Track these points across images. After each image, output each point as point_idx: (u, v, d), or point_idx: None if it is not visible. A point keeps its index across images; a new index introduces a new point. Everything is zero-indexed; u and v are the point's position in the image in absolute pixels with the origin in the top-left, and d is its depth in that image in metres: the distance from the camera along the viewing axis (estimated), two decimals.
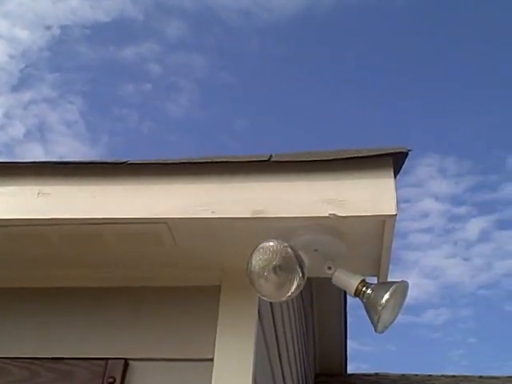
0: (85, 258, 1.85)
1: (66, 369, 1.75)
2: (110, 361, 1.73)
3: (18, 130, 12.26)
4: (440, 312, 15.85)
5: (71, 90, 11.80)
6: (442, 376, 5.40)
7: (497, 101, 11.45)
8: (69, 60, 11.34)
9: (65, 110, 11.93)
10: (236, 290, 1.78)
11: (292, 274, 1.50)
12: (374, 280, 1.78)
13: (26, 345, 1.84)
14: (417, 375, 5.43)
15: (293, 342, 3.11)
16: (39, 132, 12.34)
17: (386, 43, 10.91)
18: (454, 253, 14.62)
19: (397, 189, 1.55)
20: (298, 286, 1.51)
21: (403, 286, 1.60)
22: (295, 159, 1.64)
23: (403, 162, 1.60)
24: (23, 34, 11.96)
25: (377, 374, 5.45)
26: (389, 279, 1.79)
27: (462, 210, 13.62)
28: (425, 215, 12.71)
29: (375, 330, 1.60)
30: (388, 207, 1.52)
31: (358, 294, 1.60)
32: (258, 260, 1.50)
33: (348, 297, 2.75)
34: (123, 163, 1.69)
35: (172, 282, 1.87)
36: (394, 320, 1.63)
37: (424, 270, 14.49)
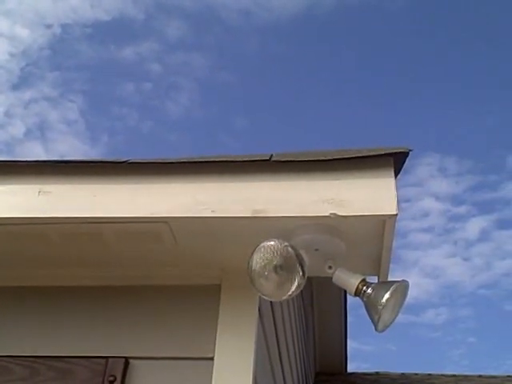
0: (85, 257, 1.85)
1: (67, 367, 1.75)
2: (110, 359, 1.73)
3: (18, 128, 12.27)
4: (440, 311, 15.86)
5: (71, 89, 11.81)
6: (442, 375, 5.40)
7: (497, 101, 11.46)
8: (69, 59, 11.34)
9: (65, 108, 11.94)
10: (236, 289, 1.78)
11: (292, 273, 1.50)
12: (375, 279, 1.78)
13: (26, 343, 1.84)
14: (417, 374, 5.43)
15: (293, 341, 3.12)
16: (39, 131, 12.34)
17: (387, 43, 10.91)
18: (453, 252, 14.62)
19: (397, 188, 1.55)
20: (298, 286, 1.52)
21: (403, 286, 1.60)
22: (295, 159, 1.64)
23: (404, 162, 1.60)
24: (24, 33, 11.97)
25: (377, 373, 5.46)
26: (389, 279, 1.79)
27: (462, 209, 13.63)
28: (425, 215, 12.72)
29: (375, 330, 1.60)
30: (388, 207, 1.52)
31: (358, 293, 1.60)
32: (258, 259, 1.50)
33: (348, 296, 2.74)
34: (123, 162, 1.69)
35: (172, 280, 1.87)
36: (394, 319, 1.63)
37: (424, 270, 14.50)
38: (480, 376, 5.33)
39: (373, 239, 1.64)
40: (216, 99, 11.56)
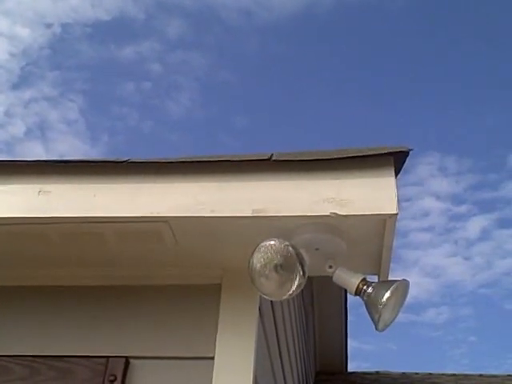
0: (85, 257, 1.85)
1: (67, 367, 1.75)
2: (110, 359, 1.73)
3: (18, 128, 12.26)
4: (440, 311, 15.86)
5: (72, 89, 11.80)
6: (443, 374, 5.41)
7: (497, 100, 11.46)
8: (69, 58, 11.34)
9: (65, 108, 11.93)
10: (237, 288, 1.78)
11: (293, 272, 1.50)
12: (375, 279, 1.78)
13: (26, 343, 1.84)
14: (417, 374, 5.43)
15: (293, 340, 3.12)
16: (40, 130, 12.34)
17: (387, 43, 10.91)
18: (454, 251, 14.62)
19: (398, 188, 1.55)
20: (298, 285, 1.51)
21: (404, 285, 1.60)
22: (296, 158, 1.64)
23: (404, 161, 1.60)
24: (24, 32, 11.96)
25: (377, 373, 5.46)
26: (389, 278, 1.79)
27: (463, 208, 13.63)
28: (425, 214, 12.72)
29: (376, 329, 1.60)
30: (389, 206, 1.52)
31: (358, 292, 1.60)
32: (259, 258, 1.50)
33: (349, 295, 2.74)
34: (124, 162, 1.69)
35: (173, 280, 1.87)
36: (394, 319, 1.63)
37: (424, 269, 14.50)
38: (481, 375, 5.33)
39: (373, 238, 1.64)
40: (216, 99, 11.57)
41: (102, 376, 1.70)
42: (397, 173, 1.59)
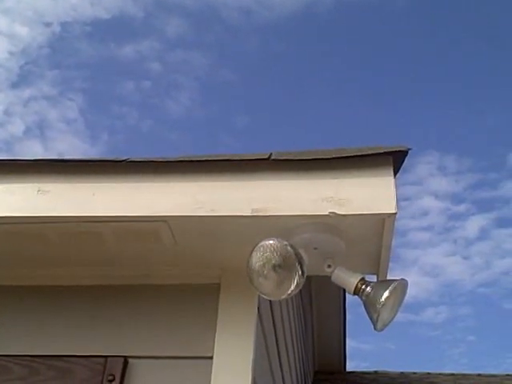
0: (84, 256, 1.85)
1: (66, 366, 1.75)
2: (109, 358, 1.73)
3: (17, 127, 12.26)
4: (439, 310, 15.88)
5: (71, 87, 11.80)
6: (441, 374, 5.41)
7: (497, 100, 11.47)
8: (69, 57, 11.34)
9: (65, 107, 11.93)
10: (235, 288, 1.78)
11: (291, 272, 1.50)
12: (374, 278, 1.78)
13: (25, 343, 1.84)
14: (416, 373, 5.44)
15: (292, 339, 3.12)
16: (39, 129, 12.34)
17: (387, 42, 10.92)
18: (453, 251, 14.64)
19: (397, 187, 1.55)
20: (297, 285, 1.51)
21: (402, 284, 1.60)
22: (295, 157, 1.63)
23: (403, 161, 1.60)
24: (23, 31, 11.95)
25: (376, 372, 5.46)
26: (388, 277, 1.79)
27: (462, 207, 13.65)
28: (424, 213, 12.74)
29: (374, 329, 1.60)
30: (388, 206, 1.52)
31: (357, 292, 1.60)
32: (257, 258, 1.50)
33: (347, 295, 2.74)
34: (123, 161, 1.69)
35: (171, 280, 1.87)
36: (393, 318, 1.63)
37: (423, 268, 14.52)
38: (479, 375, 5.33)
39: (372, 238, 1.64)
40: (216, 98, 11.57)
41: (101, 375, 1.70)
42: (396, 172, 1.59)
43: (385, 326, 1.62)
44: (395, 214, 1.51)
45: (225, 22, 10.70)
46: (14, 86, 12.24)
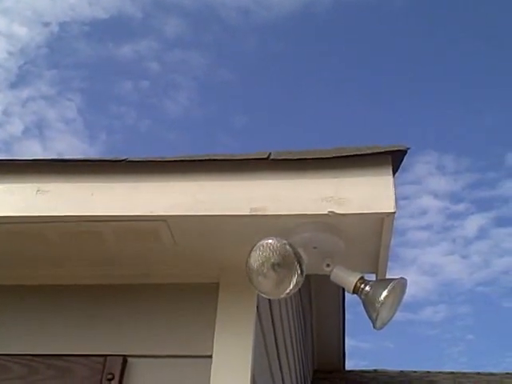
0: (84, 256, 1.85)
1: (65, 365, 1.75)
2: (108, 357, 1.73)
3: (16, 127, 12.25)
4: (438, 309, 15.90)
5: (69, 87, 11.80)
6: (440, 373, 5.41)
7: (495, 99, 11.48)
8: (67, 57, 11.33)
9: (63, 107, 11.93)
10: (235, 287, 1.78)
11: (291, 271, 1.50)
12: (373, 277, 1.78)
13: (25, 342, 1.84)
14: (415, 372, 5.44)
15: (291, 338, 3.12)
16: (37, 129, 12.33)
17: (386, 42, 10.91)
18: (452, 250, 14.65)
19: (395, 186, 1.55)
20: (296, 284, 1.52)
21: (401, 283, 1.60)
22: (294, 157, 1.64)
23: (402, 160, 1.60)
24: (21, 31, 11.95)
25: (375, 371, 5.46)
26: (387, 276, 1.79)
27: (461, 207, 13.66)
28: (423, 212, 12.75)
29: (374, 327, 1.61)
30: (387, 205, 1.52)
31: (356, 291, 1.60)
32: (256, 257, 1.50)
33: (346, 294, 2.74)
34: (122, 161, 1.69)
35: (171, 279, 1.87)
36: (392, 317, 1.63)
37: (422, 267, 14.53)
38: (479, 373, 5.34)
39: (371, 237, 1.65)
40: (214, 98, 11.56)
41: (100, 374, 1.71)
42: (394, 171, 1.59)
43: (384, 324, 1.63)
44: (394, 213, 1.51)
45: (223, 21, 10.70)
46: (13, 86, 12.24)
